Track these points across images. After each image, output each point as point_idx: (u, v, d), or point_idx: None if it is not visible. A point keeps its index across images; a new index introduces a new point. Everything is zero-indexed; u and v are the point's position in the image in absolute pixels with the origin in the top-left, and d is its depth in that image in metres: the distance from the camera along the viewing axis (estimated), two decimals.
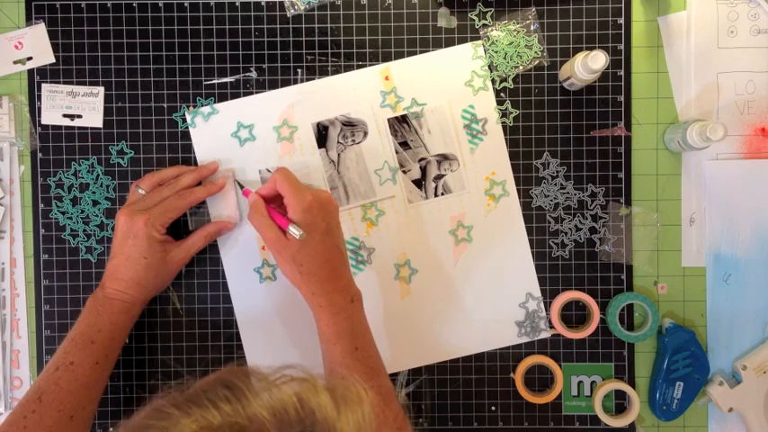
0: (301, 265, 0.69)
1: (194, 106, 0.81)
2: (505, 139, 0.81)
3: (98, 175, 0.81)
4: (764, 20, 0.80)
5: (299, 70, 0.81)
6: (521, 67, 0.80)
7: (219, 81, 0.81)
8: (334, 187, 0.80)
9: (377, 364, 0.70)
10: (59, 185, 0.81)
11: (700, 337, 0.80)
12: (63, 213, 0.81)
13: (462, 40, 0.81)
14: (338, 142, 0.80)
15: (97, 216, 0.81)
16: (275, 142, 0.80)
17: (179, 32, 0.81)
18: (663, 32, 0.81)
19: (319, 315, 0.70)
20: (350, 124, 0.80)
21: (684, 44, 0.80)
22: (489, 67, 0.80)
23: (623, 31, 0.80)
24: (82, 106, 0.81)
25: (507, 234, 0.81)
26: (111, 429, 0.80)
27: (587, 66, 0.71)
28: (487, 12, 0.80)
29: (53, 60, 0.81)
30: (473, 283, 0.81)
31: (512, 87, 0.80)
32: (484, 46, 0.80)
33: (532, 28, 0.80)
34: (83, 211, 0.81)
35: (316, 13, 0.81)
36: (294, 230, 0.67)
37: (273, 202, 0.72)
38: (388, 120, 0.80)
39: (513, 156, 0.81)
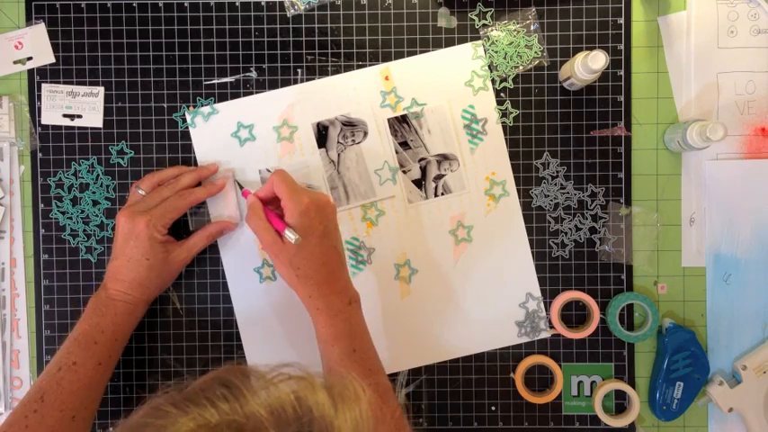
0: (298, 268, 0.69)
1: (194, 106, 0.81)
2: (505, 139, 0.81)
3: (98, 175, 0.81)
4: (764, 20, 0.80)
5: (299, 70, 0.81)
6: (521, 67, 0.80)
7: (219, 81, 0.81)
8: (334, 187, 0.80)
9: (375, 365, 0.70)
10: (59, 185, 0.81)
11: (700, 337, 0.80)
12: (63, 213, 0.81)
13: (462, 40, 0.81)
14: (338, 142, 0.80)
15: (97, 216, 0.81)
16: (275, 142, 0.80)
17: (179, 32, 0.81)
18: (663, 32, 0.81)
19: (316, 317, 0.70)
20: (350, 124, 0.80)
21: (684, 44, 0.80)
22: (489, 67, 0.80)
23: (623, 31, 0.80)
24: (82, 106, 0.81)
25: (507, 234, 0.81)
26: (110, 429, 0.80)
27: (587, 66, 0.71)
28: (487, 12, 0.80)
29: (53, 60, 0.81)
30: (473, 283, 0.81)
31: (512, 87, 0.80)
32: (484, 46, 0.80)
33: (532, 28, 0.80)
34: (83, 211, 0.81)
35: (316, 13, 0.81)
36: (290, 235, 0.67)
37: (272, 203, 0.72)
38: (388, 120, 0.80)
39: (513, 156, 0.81)
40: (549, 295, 0.81)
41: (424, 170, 0.80)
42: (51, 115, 0.81)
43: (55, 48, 0.81)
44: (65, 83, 0.81)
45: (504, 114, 0.81)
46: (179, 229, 0.80)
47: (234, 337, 0.81)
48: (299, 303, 0.72)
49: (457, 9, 0.80)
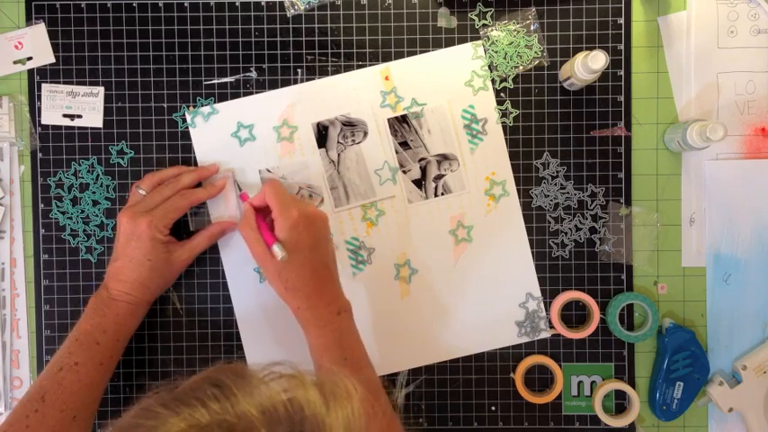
0: (287, 281, 0.69)
1: (194, 106, 0.81)
2: (505, 139, 0.81)
3: (98, 175, 0.81)
4: (764, 20, 0.80)
5: (299, 70, 0.81)
6: (521, 67, 0.80)
7: (219, 81, 0.81)
8: (334, 187, 0.80)
9: (367, 374, 0.70)
10: (59, 185, 0.81)
11: (700, 337, 0.80)
12: (63, 213, 0.81)
13: (462, 40, 0.81)
14: (338, 142, 0.80)
15: (97, 216, 0.81)
16: (275, 142, 0.80)
17: (179, 32, 0.81)
18: (663, 32, 0.81)
19: (306, 328, 0.71)
20: (350, 124, 0.80)
21: (684, 44, 0.80)
22: (489, 67, 0.80)
23: (623, 31, 0.80)
24: (82, 106, 0.81)
25: (507, 234, 0.81)
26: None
27: (587, 66, 0.71)
28: (487, 12, 0.80)
29: (53, 60, 0.81)
30: (473, 283, 0.81)
31: (512, 87, 0.80)
32: (484, 46, 0.80)
33: (532, 28, 0.80)
34: (83, 211, 0.81)
35: (316, 13, 0.81)
36: (277, 251, 0.68)
37: (266, 211, 0.72)
38: (388, 120, 0.80)
39: (513, 156, 0.81)
40: (549, 295, 0.81)
41: (424, 170, 0.80)
42: (51, 115, 0.81)
43: (55, 48, 0.81)
44: (65, 83, 0.81)
45: (504, 114, 0.81)
46: (179, 230, 0.80)
47: (234, 337, 0.81)
48: None
49: (457, 9, 0.80)
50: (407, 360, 0.81)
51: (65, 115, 0.81)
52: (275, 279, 0.70)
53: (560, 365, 0.81)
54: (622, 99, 0.80)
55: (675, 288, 0.81)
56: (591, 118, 0.81)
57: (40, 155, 0.81)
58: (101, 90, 0.81)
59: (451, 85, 0.80)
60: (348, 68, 0.81)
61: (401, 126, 0.80)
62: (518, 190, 0.81)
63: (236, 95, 0.81)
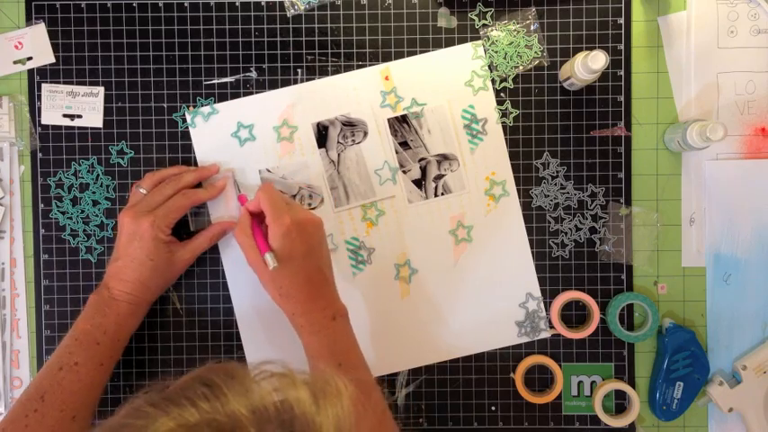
0: (281, 287, 0.69)
1: (194, 106, 0.81)
2: (505, 139, 0.81)
3: (98, 175, 0.81)
4: (764, 20, 0.80)
5: (299, 70, 0.81)
6: (521, 67, 0.80)
7: (219, 81, 0.81)
8: (334, 187, 0.80)
9: (360, 374, 0.70)
10: (59, 185, 0.81)
11: (700, 337, 0.80)
12: (63, 213, 0.81)
13: (462, 40, 0.81)
14: (338, 142, 0.80)
15: (97, 216, 0.81)
16: (275, 142, 0.80)
17: (179, 32, 0.81)
18: (663, 32, 0.81)
19: (301, 334, 0.71)
20: (350, 124, 0.80)
21: (684, 44, 0.80)
22: (489, 67, 0.80)
23: (623, 31, 0.80)
24: (82, 106, 0.81)
25: (507, 234, 0.81)
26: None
27: (587, 66, 0.71)
28: (487, 12, 0.80)
29: (53, 60, 0.81)
30: (473, 283, 0.81)
31: (512, 87, 0.80)
32: (484, 46, 0.80)
33: (532, 28, 0.80)
34: (83, 211, 0.81)
35: (316, 13, 0.81)
36: (269, 260, 0.67)
37: (262, 215, 0.72)
38: (388, 120, 0.80)
39: (513, 156, 0.81)
40: (549, 295, 0.81)
41: (424, 170, 0.80)
42: (51, 115, 0.81)
43: (55, 48, 0.81)
44: (65, 83, 0.81)
45: (504, 114, 0.81)
46: (179, 230, 0.80)
47: (234, 337, 0.81)
48: None
49: (457, 9, 0.80)
50: (407, 360, 0.81)
51: (65, 115, 0.81)
52: (270, 285, 0.70)
53: (560, 365, 0.81)
54: (622, 99, 0.80)
55: (675, 288, 0.81)
56: (591, 118, 0.81)
57: (40, 155, 0.81)
58: (101, 90, 0.81)
59: (451, 85, 0.80)
60: (348, 68, 0.81)
61: (401, 126, 0.80)
62: (518, 190, 0.81)
63: (236, 95, 0.81)
